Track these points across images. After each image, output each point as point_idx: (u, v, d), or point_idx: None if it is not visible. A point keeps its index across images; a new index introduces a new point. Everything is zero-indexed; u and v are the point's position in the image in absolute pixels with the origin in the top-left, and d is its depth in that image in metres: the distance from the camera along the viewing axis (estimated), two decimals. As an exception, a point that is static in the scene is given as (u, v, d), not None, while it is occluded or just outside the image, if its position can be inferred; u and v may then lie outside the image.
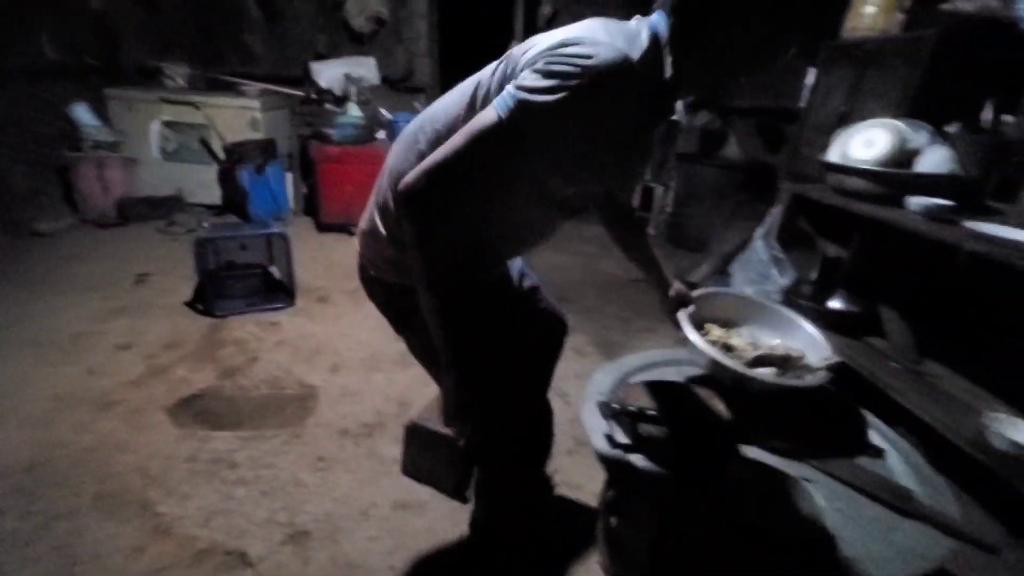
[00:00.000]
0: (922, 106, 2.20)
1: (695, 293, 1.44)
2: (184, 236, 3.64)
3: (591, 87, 0.77)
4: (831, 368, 1.32)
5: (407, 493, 1.63)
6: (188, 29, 4.48)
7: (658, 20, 0.86)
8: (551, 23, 4.86)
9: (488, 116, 0.82)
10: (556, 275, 3.44)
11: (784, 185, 2.38)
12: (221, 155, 4.00)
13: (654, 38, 0.84)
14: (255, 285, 2.94)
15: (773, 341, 1.51)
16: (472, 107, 0.93)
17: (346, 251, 3.65)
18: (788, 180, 2.76)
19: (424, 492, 1.63)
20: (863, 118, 2.16)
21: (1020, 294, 1.97)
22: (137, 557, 1.39)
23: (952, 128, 2.05)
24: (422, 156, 0.93)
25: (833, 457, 1.27)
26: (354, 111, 4.13)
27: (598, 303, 3.11)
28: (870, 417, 1.39)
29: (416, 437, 1.65)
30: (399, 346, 2.43)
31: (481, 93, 0.92)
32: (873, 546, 1.05)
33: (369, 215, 1.13)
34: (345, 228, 3.92)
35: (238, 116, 3.96)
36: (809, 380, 1.32)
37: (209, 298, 2.65)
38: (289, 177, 4.19)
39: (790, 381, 1.31)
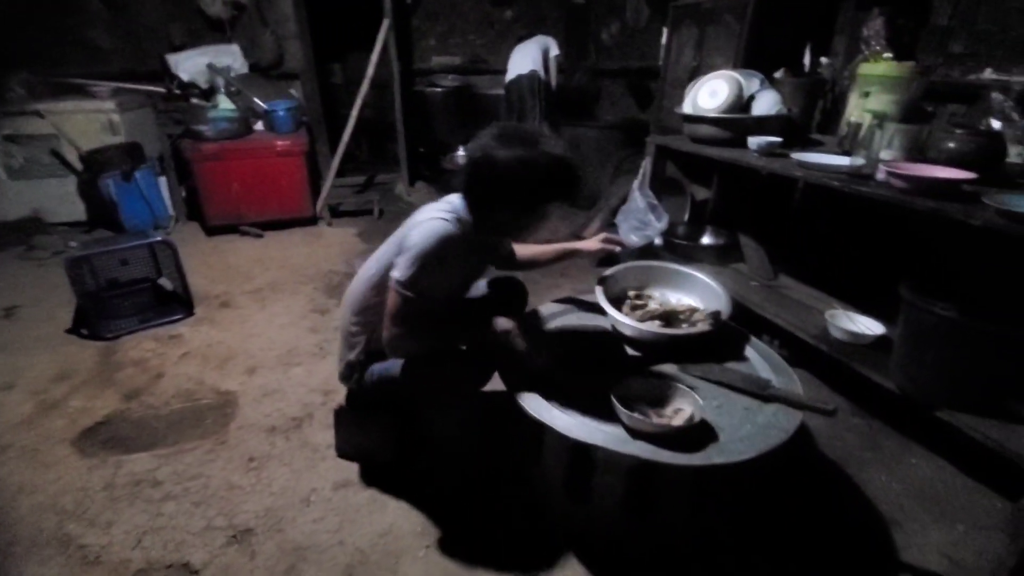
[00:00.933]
0: (753, 56, 2.47)
1: (610, 271, 1.76)
2: (50, 260, 3.25)
3: (438, 255, 1.27)
4: (713, 317, 1.55)
5: (346, 473, 1.66)
6: (19, 30, 3.85)
7: (461, 209, 1.35)
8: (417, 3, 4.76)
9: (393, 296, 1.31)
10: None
11: (650, 138, 2.58)
12: (78, 166, 3.56)
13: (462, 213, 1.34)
14: (145, 300, 2.72)
15: (679, 298, 1.72)
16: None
17: (240, 252, 3.46)
18: (656, 133, 3.00)
19: (363, 468, 1.67)
20: (710, 71, 2.39)
21: (842, 209, 2.34)
22: (67, 593, 1.32)
23: (778, 74, 2.34)
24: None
25: (711, 365, 1.48)
26: (225, 104, 3.84)
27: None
28: (742, 330, 1.62)
29: (346, 418, 1.68)
30: (314, 338, 2.42)
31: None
32: (743, 428, 1.26)
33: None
34: (235, 228, 3.69)
35: (91, 121, 3.54)
36: (700, 327, 1.53)
37: (94, 321, 2.42)
38: (164, 181, 3.83)
39: (675, 331, 1.53)
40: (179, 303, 2.64)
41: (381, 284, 1.37)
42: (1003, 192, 1.39)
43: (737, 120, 2.10)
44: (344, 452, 1.72)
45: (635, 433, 1.22)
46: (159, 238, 2.60)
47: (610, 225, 3.38)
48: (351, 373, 1.52)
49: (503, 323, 1.38)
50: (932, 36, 2.19)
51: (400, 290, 1.28)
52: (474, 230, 1.35)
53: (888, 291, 1.64)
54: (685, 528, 1.43)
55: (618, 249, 1.72)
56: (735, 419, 1.30)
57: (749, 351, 1.56)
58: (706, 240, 2.72)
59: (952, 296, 1.48)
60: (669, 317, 1.59)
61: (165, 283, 2.82)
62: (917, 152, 1.76)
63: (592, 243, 1.72)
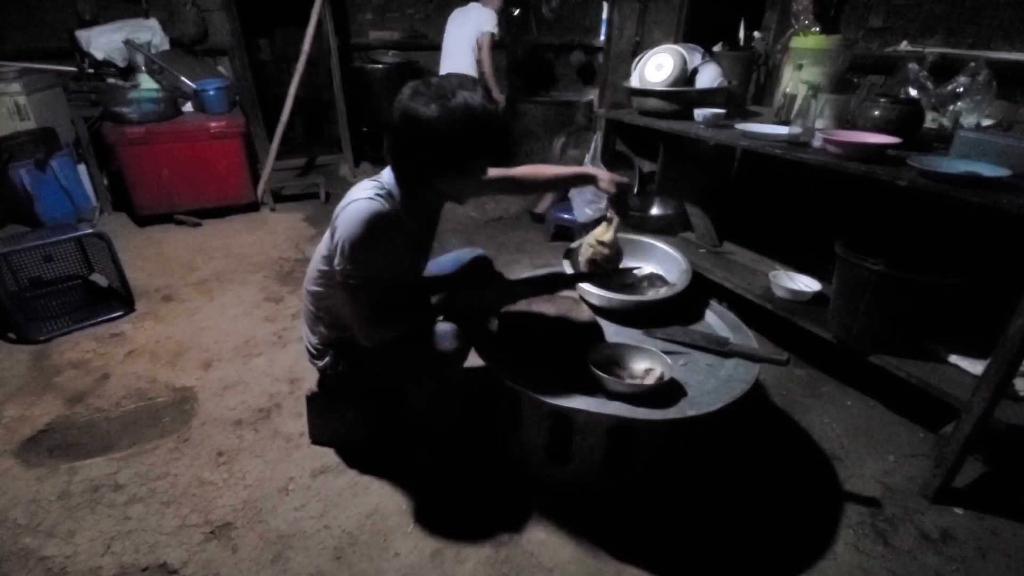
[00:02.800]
0: (693, 30, 2.55)
1: (574, 244, 1.77)
2: (-44, 260, 2.91)
3: (369, 237, 1.19)
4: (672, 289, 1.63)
5: (322, 459, 1.63)
6: None
7: (391, 182, 1.29)
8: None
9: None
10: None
11: (599, 112, 2.62)
12: (-21, 156, 3.18)
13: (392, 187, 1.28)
14: (77, 298, 2.52)
15: (643, 267, 1.78)
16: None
17: (178, 242, 3.24)
18: (603, 107, 3.04)
19: (339, 454, 1.65)
20: (652, 45, 2.44)
21: (778, 176, 2.48)
22: (32, 609, 1.24)
23: (717, 48, 2.42)
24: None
25: (675, 327, 1.55)
26: (148, 83, 3.53)
27: (463, 247, 3.19)
28: (700, 294, 1.71)
29: (319, 403, 1.64)
30: (272, 327, 2.33)
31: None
32: (708, 382, 1.34)
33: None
34: (170, 217, 3.44)
35: (-9, 105, 3.15)
36: (663, 294, 1.62)
37: (19, 323, 2.22)
38: (84, 169, 3.50)
39: (640, 298, 1.62)
40: (117, 299, 2.46)
41: (330, 271, 1.31)
42: (923, 155, 1.53)
43: (683, 93, 2.17)
44: (319, 438, 1.69)
45: (611, 394, 1.28)
46: (89, 231, 2.39)
47: (563, 200, 3.44)
48: (321, 356, 1.49)
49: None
50: (854, 11, 2.34)
51: (346, 283, 1.23)
52: (407, 200, 1.27)
53: (824, 251, 1.77)
54: (657, 478, 1.52)
55: (627, 181, 1.61)
56: (700, 375, 1.38)
57: (708, 313, 1.65)
58: (655, 211, 2.82)
59: (881, 252, 1.63)
60: (653, 281, 1.71)
61: (99, 279, 2.61)
62: (845, 121, 1.89)
63: (605, 174, 1.60)
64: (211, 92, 3.46)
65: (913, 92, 1.96)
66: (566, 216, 3.18)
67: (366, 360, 1.40)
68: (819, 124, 1.88)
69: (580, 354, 1.35)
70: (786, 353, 1.39)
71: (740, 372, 1.37)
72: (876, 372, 1.64)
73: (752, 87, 2.68)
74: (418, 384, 1.45)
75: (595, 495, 1.48)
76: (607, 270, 1.58)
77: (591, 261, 1.59)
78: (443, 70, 3.47)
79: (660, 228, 2.65)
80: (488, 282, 1.52)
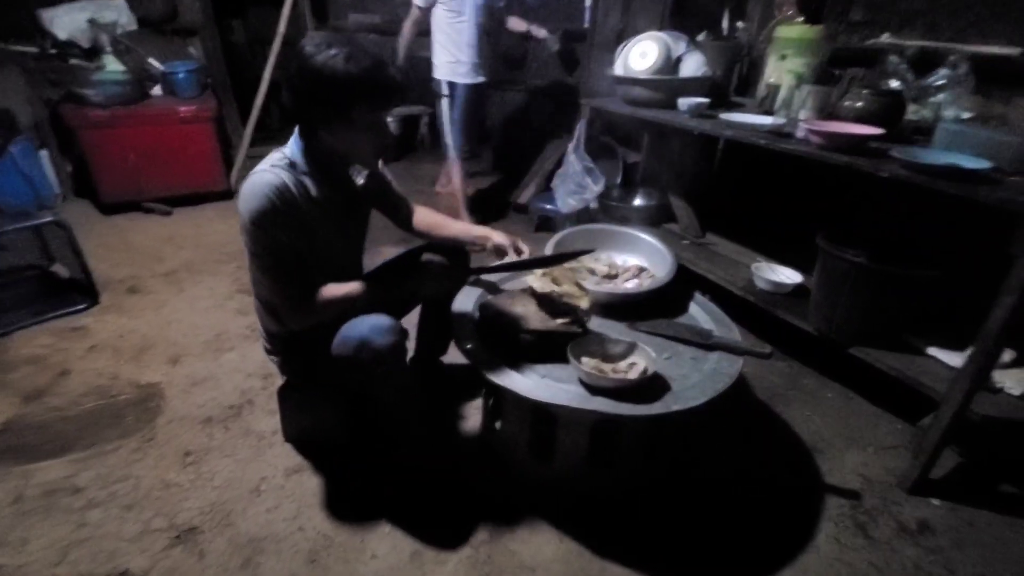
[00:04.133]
0: (678, 18, 2.50)
1: (558, 236, 1.73)
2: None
3: (267, 212, 1.14)
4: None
5: (296, 458, 1.56)
6: None
7: (294, 146, 1.23)
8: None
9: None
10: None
11: (583, 100, 2.56)
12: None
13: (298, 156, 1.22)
14: (34, 290, 2.38)
15: (625, 259, 1.73)
16: None
17: (145, 231, 3.10)
18: (586, 96, 2.98)
19: (314, 451, 1.58)
20: (635, 33, 2.38)
21: (760, 167, 2.45)
22: (-20, 623, 1.15)
23: (701, 37, 2.38)
24: None
25: (659, 320, 1.52)
26: (114, 65, 3.35)
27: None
28: (684, 286, 1.67)
29: (291, 399, 1.57)
30: (245, 320, 2.24)
31: None
32: (692, 376, 1.31)
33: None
34: (137, 205, 3.29)
35: (-60, 84, 2.95)
36: (647, 286, 1.58)
37: (-28, 317, 2.08)
38: (45, 154, 3.31)
39: (625, 291, 1.57)
40: (79, 292, 2.33)
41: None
42: (905, 146, 1.51)
43: (667, 81, 2.13)
44: (293, 436, 1.62)
45: (594, 390, 1.23)
46: (48, 219, 2.26)
47: (545, 190, 3.38)
48: (274, 351, 1.43)
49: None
50: (835, 4, 2.31)
51: (257, 263, 1.21)
52: (313, 166, 1.22)
53: (806, 244, 1.76)
54: (641, 473, 1.49)
55: (522, 255, 1.50)
56: (684, 369, 1.35)
57: (692, 306, 1.62)
58: (638, 201, 2.78)
59: (862, 244, 1.62)
60: (638, 273, 1.67)
61: (60, 270, 2.47)
62: (827, 112, 1.87)
63: (503, 236, 1.52)
64: (181, 75, 3.30)
65: (894, 84, 1.95)
66: (549, 206, 3.12)
67: (315, 356, 1.32)
68: (802, 115, 1.86)
69: (557, 345, 1.30)
70: (769, 346, 1.36)
71: (724, 366, 1.34)
72: (856, 364, 1.63)
73: (735, 78, 2.65)
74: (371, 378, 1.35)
75: (579, 491, 1.45)
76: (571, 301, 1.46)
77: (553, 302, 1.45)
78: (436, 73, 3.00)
79: (643, 219, 2.62)
80: (428, 264, 1.47)
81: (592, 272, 1.69)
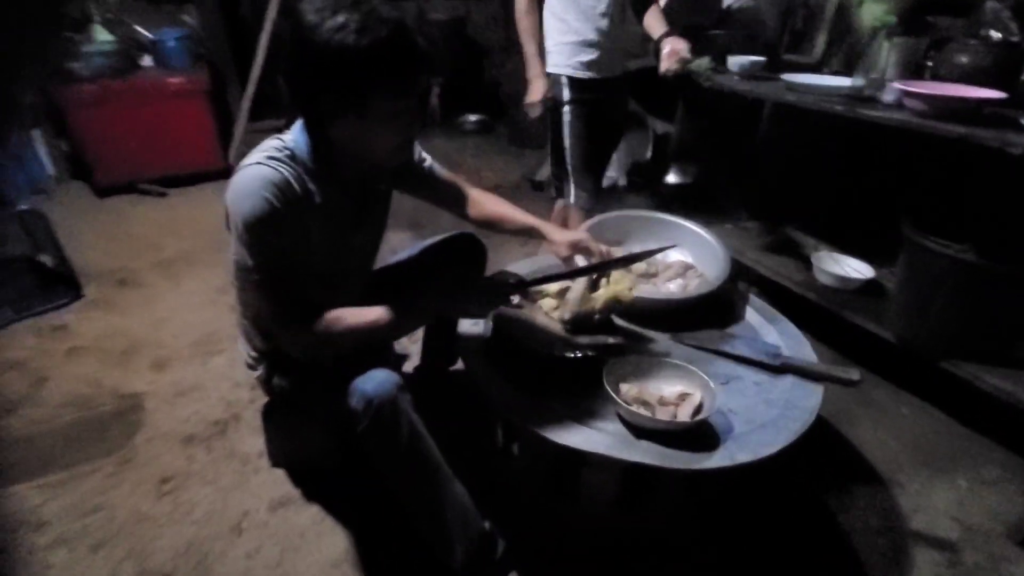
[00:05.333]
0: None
1: (586, 225, 1.39)
2: None
3: (265, 214, 0.88)
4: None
5: (283, 487, 1.35)
6: None
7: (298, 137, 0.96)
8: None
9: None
10: (406, 200, 3.05)
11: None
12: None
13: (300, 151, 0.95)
14: (25, 283, 2.19)
15: (668, 253, 1.43)
16: None
17: (141, 216, 2.88)
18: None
19: (303, 479, 1.36)
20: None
21: (816, 138, 2.09)
22: None
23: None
24: None
25: (710, 331, 1.24)
26: (102, 35, 3.09)
27: (456, 222, 2.83)
28: (740, 287, 1.38)
29: (277, 418, 1.34)
30: (238, 317, 2.00)
31: None
32: (758, 410, 1.04)
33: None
34: (133, 187, 3.07)
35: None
36: (696, 290, 1.29)
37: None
38: (38, 134, 3.10)
39: (670, 296, 1.30)
40: (63, 284, 2.13)
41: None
42: (1037, 113, 1.17)
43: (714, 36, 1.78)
44: (279, 461, 1.40)
45: (639, 431, 0.97)
46: (24, 207, 2.05)
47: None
48: (256, 366, 1.20)
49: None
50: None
51: (246, 279, 0.95)
52: (318, 162, 0.95)
53: (874, 230, 1.44)
54: (681, 518, 1.24)
55: (591, 259, 1.19)
56: (747, 398, 1.07)
57: (748, 311, 1.33)
58: (671, 179, 2.46)
59: (963, 235, 1.29)
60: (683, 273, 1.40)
61: (46, 260, 2.28)
62: (913, 70, 1.52)
63: (562, 237, 1.22)
64: (170, 43, 3.03)
65: (996, 35, 1.57)
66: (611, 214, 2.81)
67: (305, 381, 1.08)
68: (873, 75, 1.51)
69: (595, 368, 1.04)
70: (856, 370, 1.07)
71: (799, 395, 1.06)
72: (939, 373, 1.34)
73: (787, 35, 2.27)
74: None
75: (603, 537, 1.21)
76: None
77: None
78: None
79: (676, 199, 2.30)
80: (466, 279, 1.18)
81: (628, 270, 1.40)
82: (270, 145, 0.94)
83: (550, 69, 1.80)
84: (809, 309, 1.67)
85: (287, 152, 0.93)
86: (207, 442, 1.49)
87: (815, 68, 1.88)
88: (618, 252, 1.45)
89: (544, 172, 3.15)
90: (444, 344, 1.47)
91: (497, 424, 1.37)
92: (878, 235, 1.57)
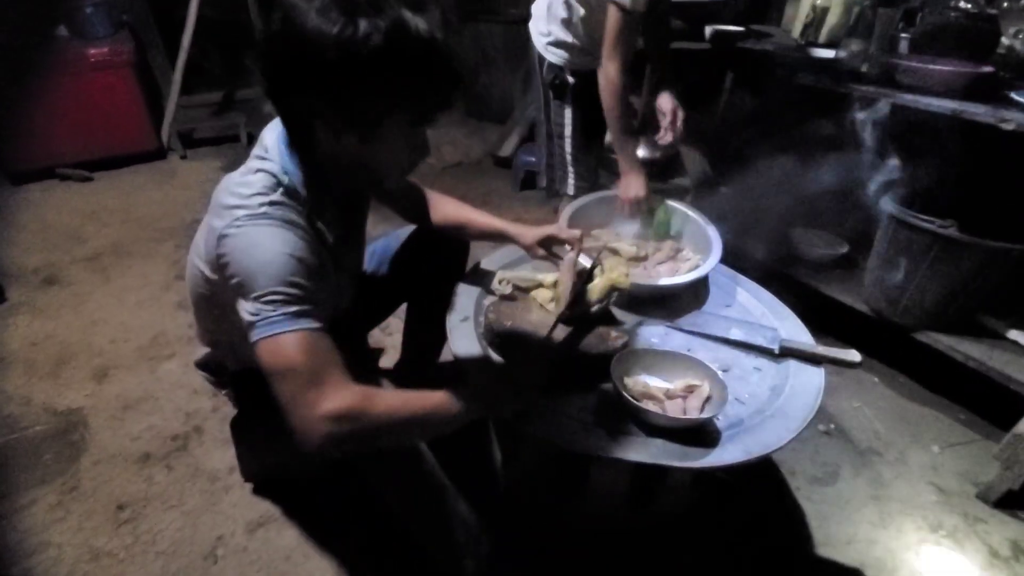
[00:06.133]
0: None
1: (569, 208, 1.32)
2: None
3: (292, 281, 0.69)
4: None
5: (260, 505, 1.23)
6: None
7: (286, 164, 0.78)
8: None
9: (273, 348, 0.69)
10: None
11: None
12: None
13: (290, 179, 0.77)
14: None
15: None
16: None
17: (63, 204, 2.56)
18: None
19: (283, 492, 1.25)
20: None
21: (784, 103, 2.04)
22: None
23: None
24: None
25: (705, 314, 1.20)
26: None
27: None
28: (728, 268, 1.34)
29: (246, 429, 1.20)
30: (187, 316, 1.80)
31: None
32: (762, 398, 1.02)
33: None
34: (52, 172, 2.71)
35: None
36: (688, 275, 1.21)
37: None
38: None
39: (664, 282, 1.21)
40: (-22, 288, 1.86)
41: (212, 279, 0.82)
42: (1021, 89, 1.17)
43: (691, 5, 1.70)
44: (253, 475, 1.27)
45: (651, 428, 0.92)
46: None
47: (530, 141, 2.94)
48: (221, 382, 1.06)
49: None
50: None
51: (276, 335, 0.68)
52: (315, 191, 0.78)
53: (833, 206, 1.45)
54: (684, 502, 1.22)
55: (568, 249, 1.11)
56: (750, 385, 1.05)
57: (739, 291, 1.30)
58: (641, 152, 2.39)
59: (943, 211, 1.31)
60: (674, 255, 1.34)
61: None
62: (892, 42, 1.50)
63: (531, 237, 1.12)
64: (87, 9, 2.63)
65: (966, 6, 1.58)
66: (535, 160, 2.70)
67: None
68: (856, 47, 1.48)
69: (601, 363, 0.98)
70: (856, 352, 1.06)
71: (800, 381, 1.05)
72: (907, 343, 1.37)
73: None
74: None
75: (611, 529, 1.17)
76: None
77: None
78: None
79: (648, 173, 2.24)
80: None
81: (615, 253, 1.34)
82: (259, 183, 0.74)
83: (552, 59, 1.62)
84: (780, 278, 1.67)
85: (282, 190, 0.75)
86: (166, 460, 1.33)
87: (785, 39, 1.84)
88: (604, 236, 1.40)
89: (509, 146, 3.03)
90: (430, 335, 1.37)
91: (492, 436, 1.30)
92: (852, 208, 1.57)
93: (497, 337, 1.05)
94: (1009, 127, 1.05)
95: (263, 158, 0.78)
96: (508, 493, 1.25)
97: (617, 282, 1.09)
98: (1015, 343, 1.33)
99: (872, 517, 1.24)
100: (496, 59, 3.34)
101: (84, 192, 2.66)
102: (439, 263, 1.22)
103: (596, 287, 1.08)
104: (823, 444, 1.42)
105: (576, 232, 1.12)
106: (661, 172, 2.27)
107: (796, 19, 1.74)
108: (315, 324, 0.69)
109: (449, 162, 3.10)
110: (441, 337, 1.15)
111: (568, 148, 1.67)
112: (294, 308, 0.68)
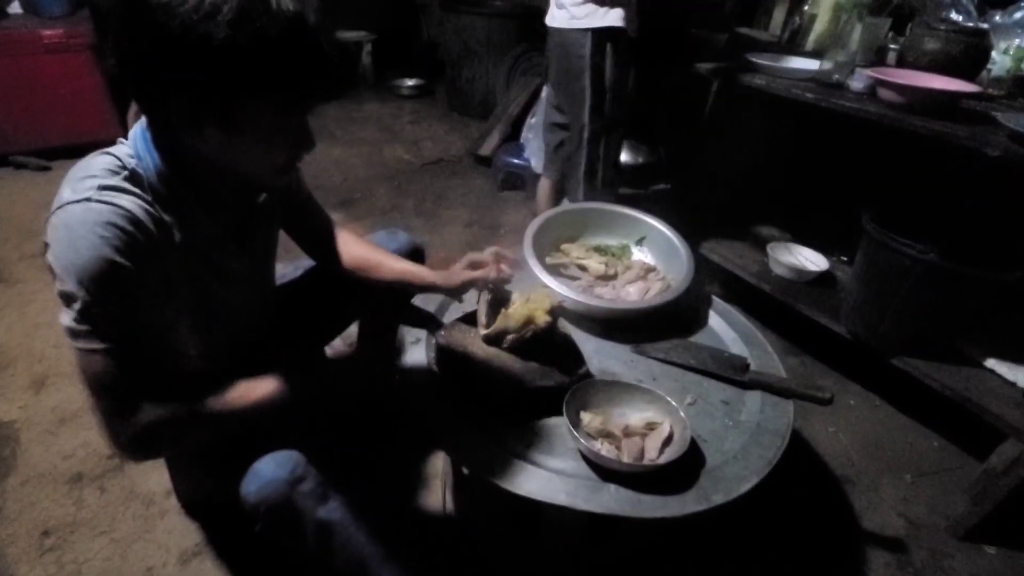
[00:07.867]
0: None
1: (538, 221, 1.24)
2: None
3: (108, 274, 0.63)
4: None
5: (195, 533, 1.15)
6: None
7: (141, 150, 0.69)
8: None
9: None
10: (336, 173, 2.77)
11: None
12: None
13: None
14: None
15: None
16: None
17: (16, 195, 2.42)
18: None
19: (220, 519, 1.16)
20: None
21: (769, 116, 1.98)
22: None
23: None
24: None
25: (673, 340, 1.13)
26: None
27: (393, 199, 2.59)
28: (704, 290, 1.28)
29: (184, 453, 1.12)
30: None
31: None
32: (729, 436, 0.95)
33: None
34: (6, 160, 2.57)
35: None
36: (658, 297, 1.16)
37: None
38: None
39: (631, 305, 1.15)
40: (-92, 286, 1.73)
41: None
42: (1010, 110, 1.11)
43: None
44: (189, 498, 1.19)
45: (606, 472, 0.85)
46: None
47: (512, 139, 2.85)
48: None
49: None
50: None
51: (85, 348, 0.64)
52: (174, 180, 0.69)
53: (827, 218, 1.39)
54: (651, 543, 1.16)
55: (490, 282, 1.00)
56: (716, 422, 0.98)
57: (712, 315, 1.23)
58: (623, 158, 2.31)
59: (925, 234, 1.24)
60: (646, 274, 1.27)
61: None
62: (877, 54, 1.44)
63: (454, 275, 1.00)
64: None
65: (956, 18, 1.51)
66: (517, 161, 2.62)
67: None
68: (842, 57, 1.41)
69: (555, 396, 0.91)
70: (828, 390, 1.01)
71: (769, 416, 0.98)
72: (884, 367, 1.33)
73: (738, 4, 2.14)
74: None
75: (569, 569, 1.11)
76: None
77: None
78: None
79: (629, 182, 2.17)
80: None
81: (583, 270, 1.27)
82: (98, 165, 0.67)
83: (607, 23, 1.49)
84: (761, 297, 1.62)
85: (125, 174, 0.67)
86: (99, 481, 1.24)
87: (771, 46, 1.76)
88: (573, 251, 1.32)
89: (489, 145, 2.93)
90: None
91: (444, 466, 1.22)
92: (834, 223, 1.51)
93: (445, 355, 0.98)
94: (995, 153, 0.99)
95: (116, 147, 0.70)
96: (459, 526, 1.18)
97: (534, 316, 0.99)
98: (992, 372, 1.28)
99: (836, 550, 1.19)
100: (479, 52, 3.23)
101: (40, 182, 2.53)
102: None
103: (513, 316, 0.99)
104: (794, 475, 1.37)
105: (489, 271, 0.99)
106: (643, 178, 2.22)
107: (785, 25, 1.67)
108: (103, 345, 0.64)
109: (428, 159, 3.00)
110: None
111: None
112: (86, 325, 0.63)
